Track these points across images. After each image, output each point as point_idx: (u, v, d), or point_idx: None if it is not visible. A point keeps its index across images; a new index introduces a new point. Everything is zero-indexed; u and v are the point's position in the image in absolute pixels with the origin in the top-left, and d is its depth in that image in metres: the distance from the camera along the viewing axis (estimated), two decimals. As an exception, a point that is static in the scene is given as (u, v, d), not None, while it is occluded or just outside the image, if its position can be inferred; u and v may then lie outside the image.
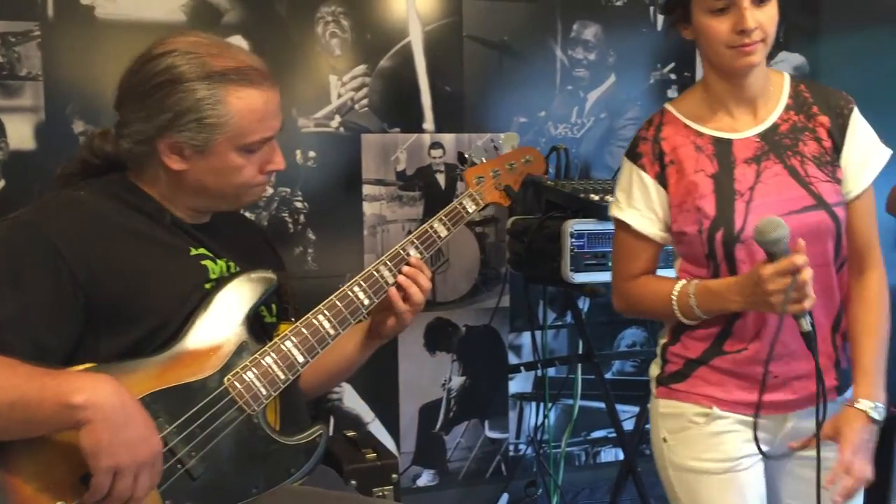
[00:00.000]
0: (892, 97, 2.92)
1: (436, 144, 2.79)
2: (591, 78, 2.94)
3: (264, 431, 1.45)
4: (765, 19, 1.53)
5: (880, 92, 2.69)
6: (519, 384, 2.96)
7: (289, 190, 2.64)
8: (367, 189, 2.72)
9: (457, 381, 2.88)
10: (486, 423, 2.93)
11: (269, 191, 2.61)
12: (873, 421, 1.55)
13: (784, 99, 1.66)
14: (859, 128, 1.65)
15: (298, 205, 2.65)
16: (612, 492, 2.73)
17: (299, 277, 2.62)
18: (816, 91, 1.68)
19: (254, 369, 1.44)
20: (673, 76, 3.03)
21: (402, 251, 1.64)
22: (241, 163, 1.46)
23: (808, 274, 1.43)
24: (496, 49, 2.84)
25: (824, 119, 1.64)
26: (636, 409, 2.78)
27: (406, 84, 2.75)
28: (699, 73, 3.09)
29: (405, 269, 1.62)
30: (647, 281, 1.70)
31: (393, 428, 2.81)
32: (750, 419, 1.60)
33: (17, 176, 2.37)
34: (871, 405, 1.55)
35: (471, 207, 1.79)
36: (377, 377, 2.75)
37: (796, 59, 3.20)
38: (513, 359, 2.95)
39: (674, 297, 1.62)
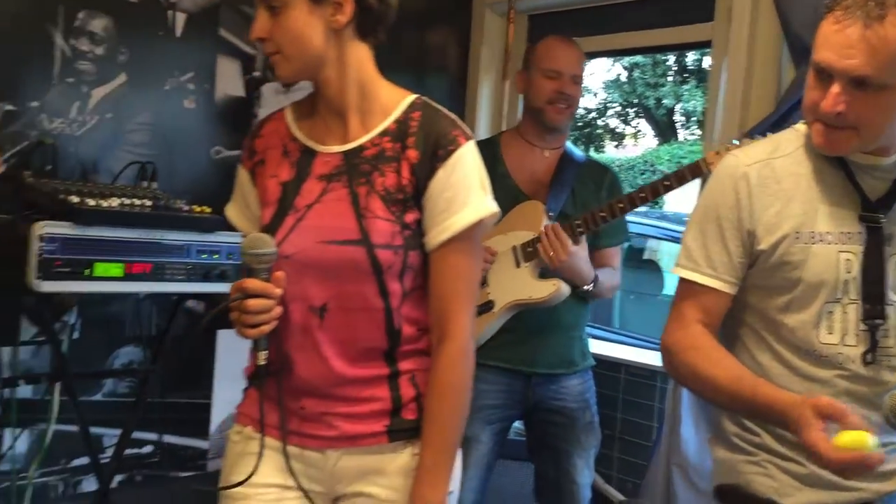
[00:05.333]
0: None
1: None
2: (97, 73, 2.72)
3: None
4: (274, 30, 1.46)
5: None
6: (-13, 407, 2.57)
7: None
8: None
9: None
10: (-63, 455, 2.50)
11: None
12: None
13: (387, 122, 1.51)
14: (457, 172, 1.46)
15: None
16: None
17: None
18: (428, 122, 1.49)
19: None
20: (191, 86, 2.91)
21: None
22: None
23: (256, 304, 1.41)
24: (-24, 24, 2.48)
25: (414, 154, 1.47)
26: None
27: None
28: (220, 86, 3.07)
29: None
30: None
31: None
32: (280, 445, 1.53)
33: None
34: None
35: None
36: None
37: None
38: (-20, 378, 2.56)
39: None
